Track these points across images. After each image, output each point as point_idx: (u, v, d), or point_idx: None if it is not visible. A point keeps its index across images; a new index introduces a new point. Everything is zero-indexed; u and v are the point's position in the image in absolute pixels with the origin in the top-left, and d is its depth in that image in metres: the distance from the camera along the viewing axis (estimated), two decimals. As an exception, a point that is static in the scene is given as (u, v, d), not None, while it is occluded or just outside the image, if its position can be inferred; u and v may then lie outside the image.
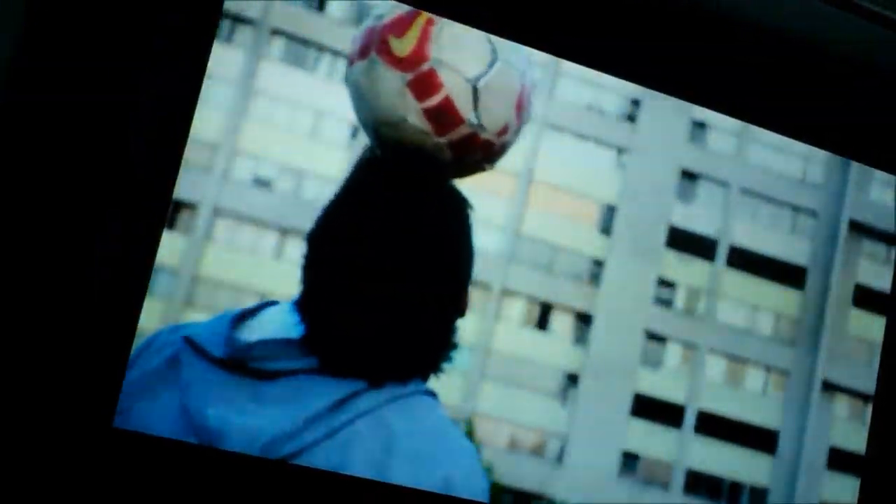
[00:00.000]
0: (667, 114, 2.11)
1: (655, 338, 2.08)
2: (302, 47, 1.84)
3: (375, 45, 1.60)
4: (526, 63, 1.68)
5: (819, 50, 2.10)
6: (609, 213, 2.06)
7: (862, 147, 2.20)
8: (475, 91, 1.60)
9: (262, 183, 1.82)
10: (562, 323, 2.02)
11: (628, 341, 2.06)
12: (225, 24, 1.79)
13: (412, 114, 1.59)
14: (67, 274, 1.66)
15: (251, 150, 1.80)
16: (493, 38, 1.65)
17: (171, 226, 1.73)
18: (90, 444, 1.64)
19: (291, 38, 1.84)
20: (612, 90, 2.08)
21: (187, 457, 1.66)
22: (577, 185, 2.05)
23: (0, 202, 1.65)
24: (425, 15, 1.63)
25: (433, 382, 1.63)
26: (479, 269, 1.96)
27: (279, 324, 1.58)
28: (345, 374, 1.55)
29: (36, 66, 1.67)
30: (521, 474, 1.97)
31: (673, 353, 2.09)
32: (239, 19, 1.80)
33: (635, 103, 2.10)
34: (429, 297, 1.63)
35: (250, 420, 1.54)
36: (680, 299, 2.10)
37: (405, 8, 1.65)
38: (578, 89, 2.06)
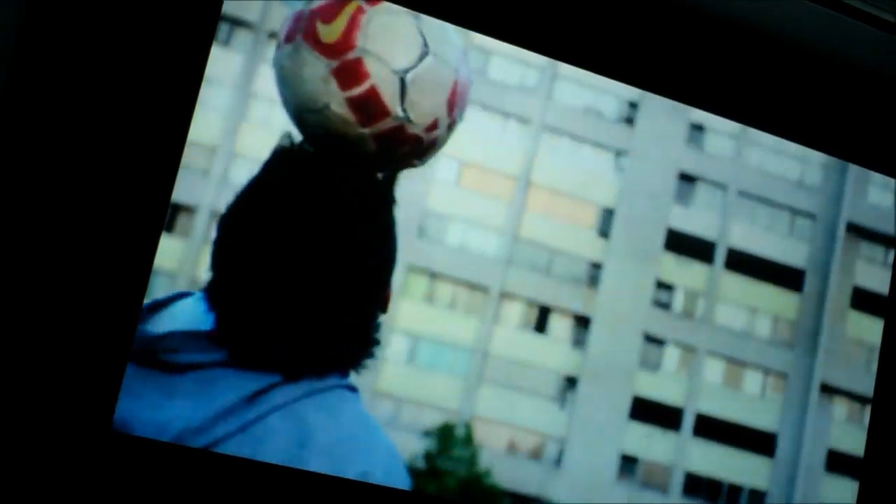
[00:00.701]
0: (665, 116, 2.11)
1: (654, 340, 2.08)
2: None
3: (302, 30, 1.56)
4: (460, 58, 1.63)
5: (817, 53, 2.11)
6: (607, 215, 2.06)
7: (860, 149, 2.20)
8: (402, 84, 1.55)
9: (260, 186, 1.81)
10: (560, 326, 2.02)
11: (627, 344, 2.06)
12: (223, 27, 1.79)
13: (335, 102, 1.54)
14: (66, 276, 1.65)
15: (249, 153, 1.80)
16: (426, 30, 1.60)
17: (170, 229, 1.73)
18: (89, 448, 1.64)
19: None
20: (609, 93, 2.08)
21: (186, 460, 1.65)
22: (575, 188, 2.05)
23: (-2, 205, 1.65)
24: (355, 3, 1.58)
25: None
26: (478, 272, 1.96)
27: (190, 315, 1.54)
28: (255, 368, 1.49)
29: (35, 68, 1.67)
30: (520, 477, 1.96)
31: (671, 356, 2.09)
32: (237, 22, 1.80)
33: (633, 106, 2.10)
34: (346, 290, 1.56)
35: (158, 414, 1.49)
36: (678, 302, 2.10)
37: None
38: (576, 92, 2.06)
